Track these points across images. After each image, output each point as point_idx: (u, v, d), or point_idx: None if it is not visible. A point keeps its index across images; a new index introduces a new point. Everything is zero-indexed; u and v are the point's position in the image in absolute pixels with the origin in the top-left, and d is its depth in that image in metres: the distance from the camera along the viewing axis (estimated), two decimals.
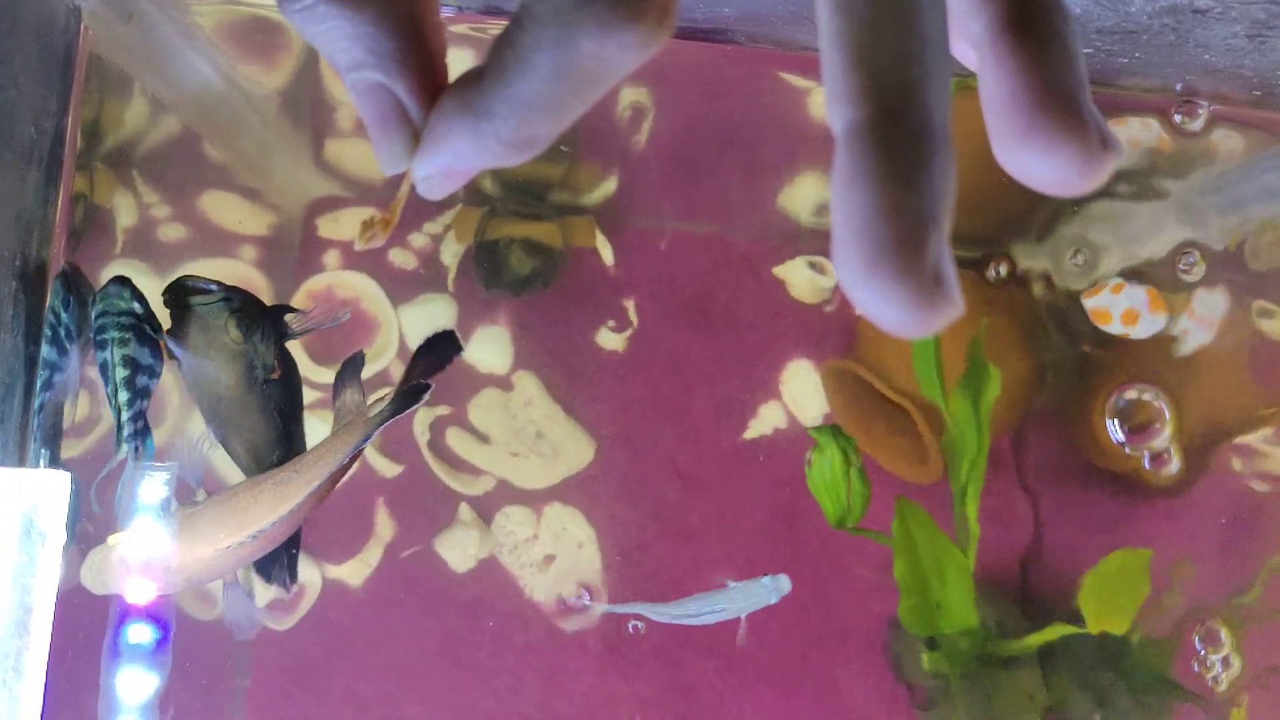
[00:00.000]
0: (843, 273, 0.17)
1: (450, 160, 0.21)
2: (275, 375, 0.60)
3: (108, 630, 0.58)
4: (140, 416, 0.59)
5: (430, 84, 0.21)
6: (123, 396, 0.58)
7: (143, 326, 0.59)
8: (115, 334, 0.58)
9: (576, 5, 0.18)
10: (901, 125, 0.17)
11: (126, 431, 0.58)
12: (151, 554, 0.56)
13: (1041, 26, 0.18)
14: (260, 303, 0.61)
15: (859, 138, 0.17)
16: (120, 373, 0.57)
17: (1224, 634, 0.66)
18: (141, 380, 0.58)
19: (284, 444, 0.61)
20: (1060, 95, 0.18)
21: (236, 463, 0.61)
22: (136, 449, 0.59)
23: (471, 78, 0.20)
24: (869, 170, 0.17)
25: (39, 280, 0.60)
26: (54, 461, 0.60)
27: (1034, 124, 0.18)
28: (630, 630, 0.66)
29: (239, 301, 0.60)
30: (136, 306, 0.59)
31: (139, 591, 0.57)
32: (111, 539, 0.57)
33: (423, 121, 0.21)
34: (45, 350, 0.60)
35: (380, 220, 0.24)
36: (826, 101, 0.18)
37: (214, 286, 0.59)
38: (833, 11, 0.17)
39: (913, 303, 0.16)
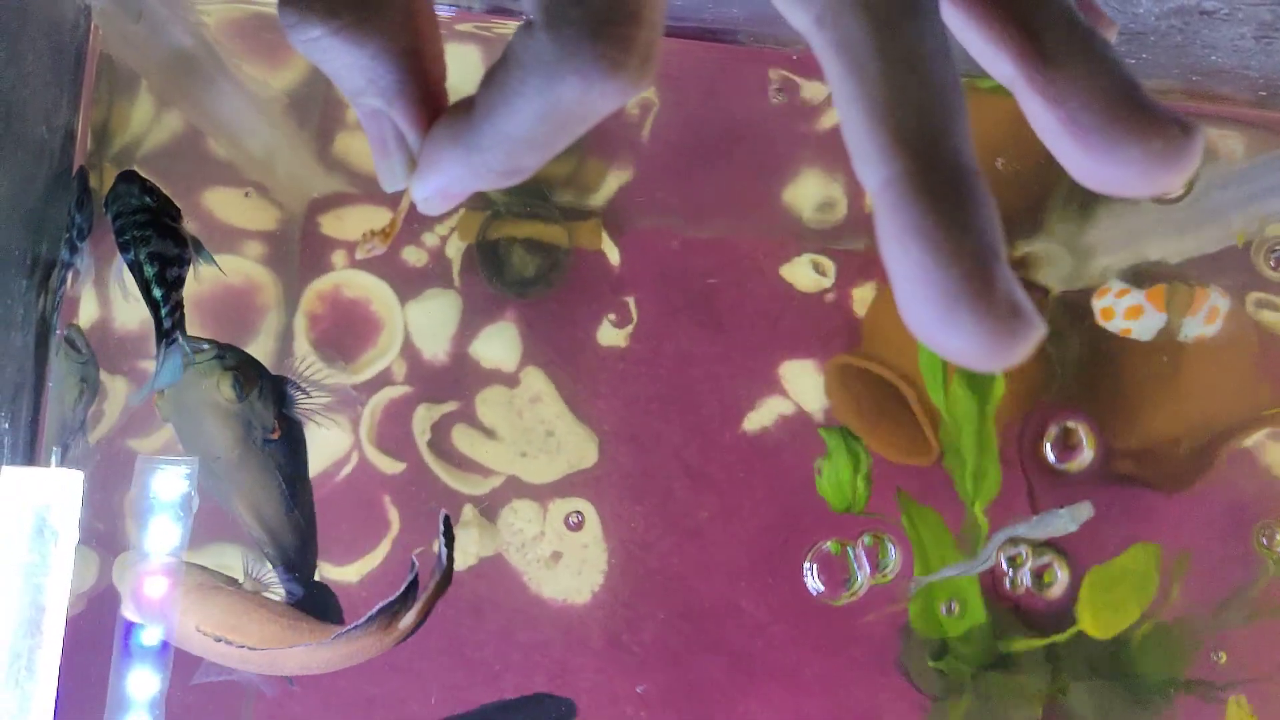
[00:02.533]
0: (918, 327, 0.17)
1: (444, 184, 0.22)
2: (275, 435, 0.59)
3: (118, 629, 0.58)
4: (177, 307, 0.58)
5: (426, 112, 0.22)
6: (157, 293, 0.57)
7: (159, 219, 0.58)
8: (135, 233, 0.57)
9: (559, 57, 0.18)
10: (937, 173, 0.17)
11: (166, 324, 0.57)
12: (164, 587, 0.56)
13: (1066, 53, 0.18)
14: (257, 363, 0.60)
15: (898, 193, 0.17)
16: (149, 270, 0.57)
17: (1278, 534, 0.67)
18: (172, 272, 0.57)
19: (291, 506, 0.60)
20: (1122, 103, 0.18)
21: (242, 525, 0.60)
22: (175, 340, 0.57)
23: (462, 109, 0.21)
24: (917, 223, 0.17)
25: (48, 279, 0.60)
26: (65, 459, 0.60)
27: (1109, 142, 0.18)
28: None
29: (233, 360, 0.58)
30: (149, 200, 0.58)
31: (142, 614, 0.57)
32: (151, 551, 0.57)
33: (418, 147, 0.22)
34: (62, 252, 0.60)
35: (381, 232, 0.25)
36: (855, 162, 0.18)
37: (206, 345, 0.59)
38: (844, 75, 0.18)
39: (997, 338, 0.16)
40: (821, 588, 0.63)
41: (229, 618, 0.56)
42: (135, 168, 0.64)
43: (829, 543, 0.63)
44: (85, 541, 0.58)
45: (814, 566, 0.63)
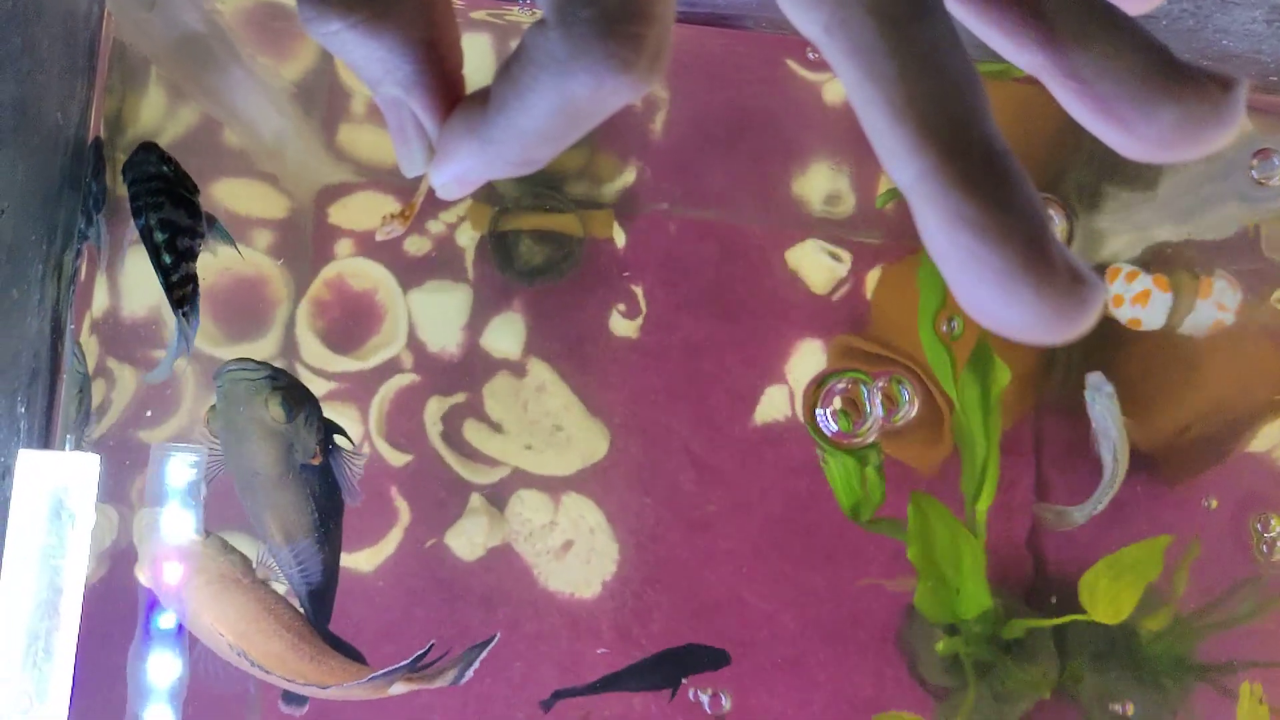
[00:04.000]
0: (980, 311, 0.17)
1: (460, 172, 0.23)
2: (315, 460, 0.60)
3: (139, 615, 0.59)
4: (188, 280, 0.58)
5: (444, 101, 0.23)
6: (166, 259, 0.57)
7: (175, 189, 0.59)
8: (148, 199, 0.58)
9: (571, 55, 0.19)
10: (968, 158, 0.17)
11: (175, 295, 0.58)
12: (180, 569, 0.57)
13: (1087, 34, 0.19)
14: (305, 388, 0.62)
15: (934, 185, 0.17)
16: (158, 236, 0.57)
17: (1274, 521, 0.68)
18: (183, 242, 0.58)
19: (321, 537, 0.61)
20: (1153, 73, 0.18)
21: (270, 547, 0.61)
22: (185, 314, 0.58)
23: (478, 100, 0.21)
24: (960, 211, 0.17)
25: (62, 265, 0.61)
26: (80, 445, 0.61)
27: (1146, 114, 0.18)
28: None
29: (284, 381, 0.60)
30: (166, 170, 0.59)
31: (156, 589, 0.58)
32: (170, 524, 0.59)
33: (436, 135, 0.23)
34: (78, 222, 0.61)
35: (400, 214, 0.27)
36: (883, 161, 0.18)
37: (258, 364, 0.60)
38: (860, 79, 0.18)
39: (1063, 307, 0.17)
40: (835, 428, 0.64)
41: (243, 622, 0.58)
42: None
43: (841, 384, 0.64)
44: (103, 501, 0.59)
45: (827, 411, 0.64)
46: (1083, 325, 0.17)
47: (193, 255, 0.59)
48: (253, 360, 0.61)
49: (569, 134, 0.20)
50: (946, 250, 0.17)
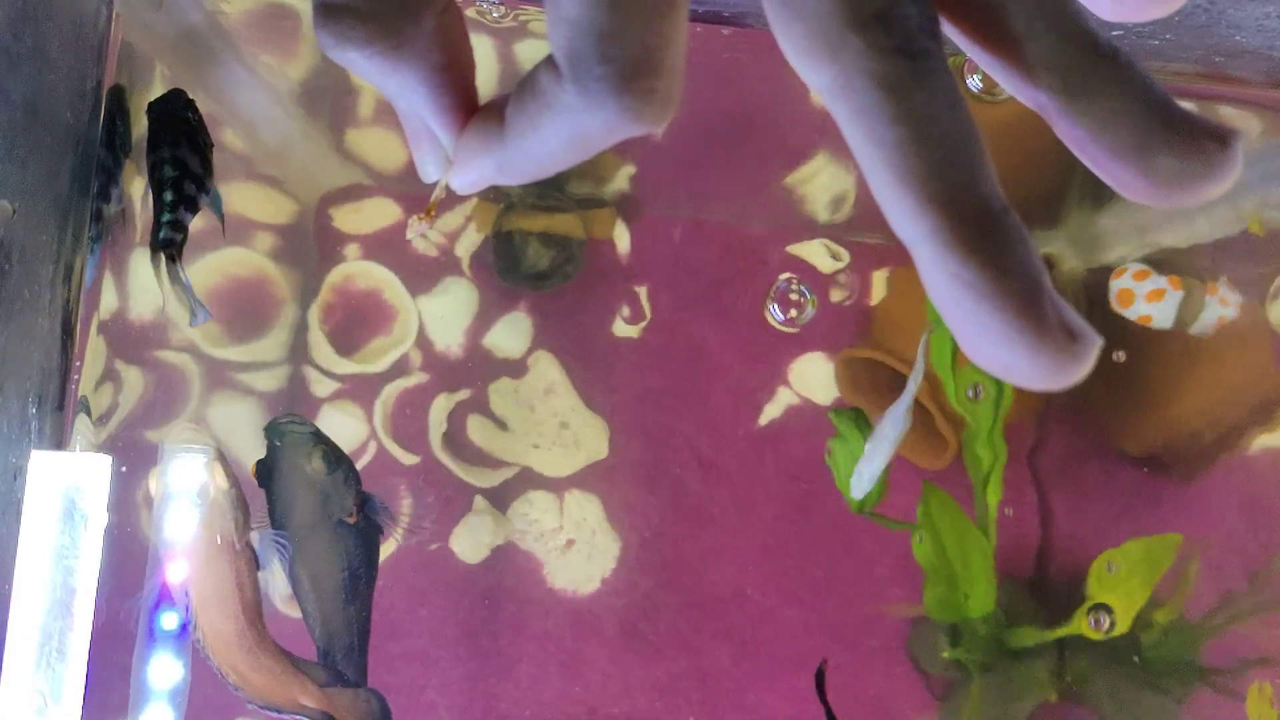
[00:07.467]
0: (983, 364, 0.19)
1: (476, 179, 0.24)
2: (352, 519, 0.63)
3: (141, 615, 0.60)
4: (180, 228, 0.59)
5: (459, 117, 0.24)
6: (168, 197, 0.58)
7: (195, 135, 0.60)
8: (168, 135, 0.59)
9: (585, 108, 0.20)
10: (967, 224, 0.18)
11: (162, 235, 0.58)
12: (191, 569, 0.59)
13: (1094, 85, 0.19)
14: (345, 454, 0.66)
15: (934, 249, 0.18)
16: (168, 170, 0.58)
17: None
18: (189, 188, 0.59)
19: (351, 599, 0.63)
20: (1156, 128, 0.19)
21: (299, 597, 0.63)
22: (172, 256, 0.58)
23: (493, 119, 0.23)
24: (958, 274, 0.18)
25: (73, 267, 0.62)
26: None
27: (1146, 168, 0.19)
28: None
29: (327, 440, 0.64)
30: (190, 115, 0.61)
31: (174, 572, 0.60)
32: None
33: (452, 146, 0.25)
34: (102, 154, 0.62)
35: (425, 215, 0.29)
36: (888, 218, 0.19)
37: (299, 420, 0.64)
38: (863, 142, 0.19)
39: (1059, 363, 0.18)
40: (784, 316, 0.66)
41: (214, 595, 0.60)
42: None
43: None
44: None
45: (775, 305, 0.66)
46: (1078, 376, 0.18)
47: (194, 207, 0.60)
48: (300, 416, 0.65)
49: (580, 159, 0.22)
50: (948, 309, 0.19)
